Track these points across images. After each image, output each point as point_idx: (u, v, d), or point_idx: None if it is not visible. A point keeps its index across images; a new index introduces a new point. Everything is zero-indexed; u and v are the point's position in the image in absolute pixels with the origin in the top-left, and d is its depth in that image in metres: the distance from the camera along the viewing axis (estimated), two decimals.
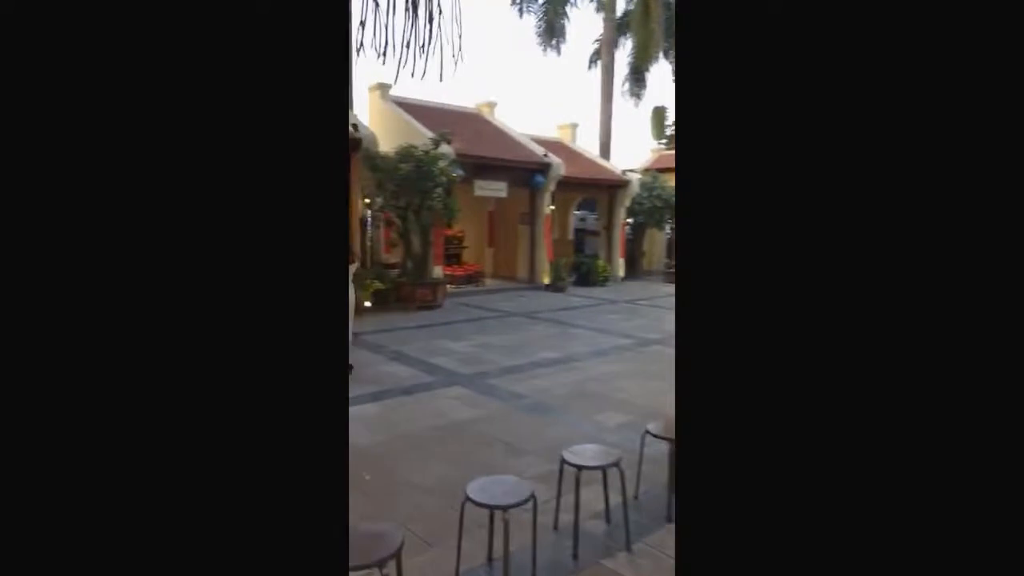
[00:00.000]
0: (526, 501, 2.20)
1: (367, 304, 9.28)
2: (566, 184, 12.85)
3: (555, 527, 2.79)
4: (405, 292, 9.83)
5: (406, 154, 9.50)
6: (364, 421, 4.32)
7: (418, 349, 6.70)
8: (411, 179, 9.35)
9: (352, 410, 4.54)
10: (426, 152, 9.64)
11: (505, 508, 2.15)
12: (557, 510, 2.80)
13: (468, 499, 2.20)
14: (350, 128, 9.65)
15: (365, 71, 17.89)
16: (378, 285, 9.46)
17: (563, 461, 2.60)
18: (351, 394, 4.92)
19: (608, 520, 2.84)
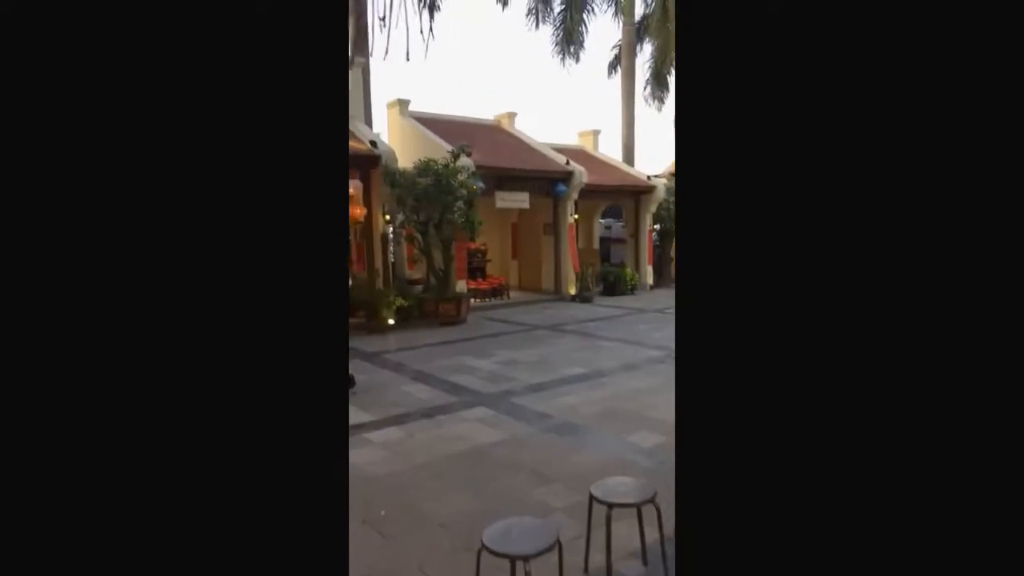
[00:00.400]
0: (550, 549, 1.95)
1: (390, 322, 9.14)
2: (590, 192, 12.58)
3: (585, 569, 2.51)
4: (428, 308, 9.66)
5: (425, 168, 9.38)
6: (382, 448, 4.11)
7: (440, 367, 6.49)
8: (430, 193, 9.21)
9: (371, 435, 4.35)
10: (445, 165, 9.50)
11: (526, 558, 1.90)
12: (587, 549, 2.53)
13: (484, 547, 1.96)
14: (368, 145, 9.60)
15: (384, 88, 17.99)
16: (400, 302, 9.31)
17: (592, 498, 2.34)
18: (369, 418, 4.74)
19: (645, 561, 2.56)
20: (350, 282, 5.62)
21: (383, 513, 3.11)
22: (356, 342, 8.04)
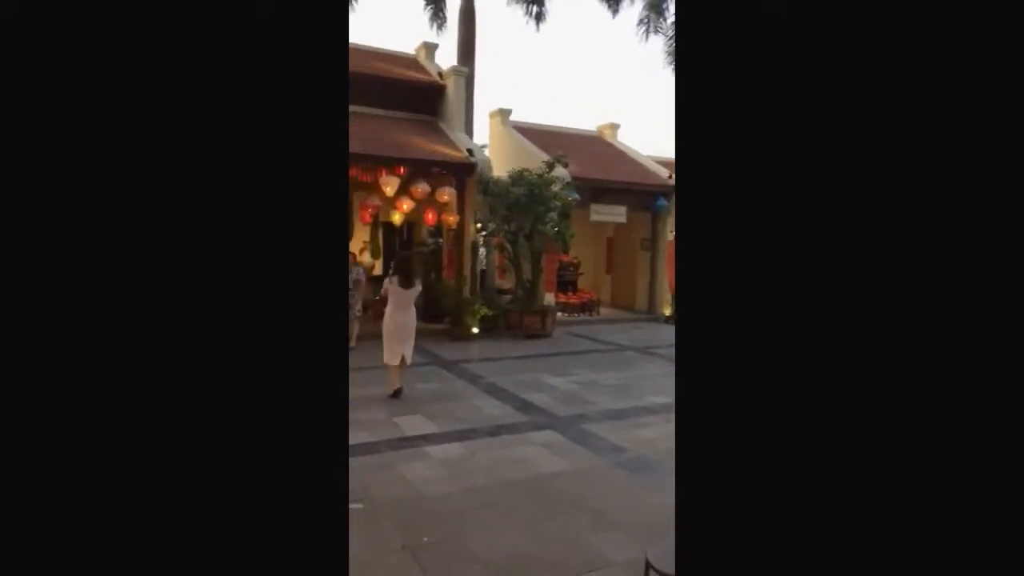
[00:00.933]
0: None
1: (474, 330, 9.06)
2: None
3: None
4: (513, 319, 9.48)
5: (518, 178, 9.24)
6: (440, 465, 3.91)
7: (515, 382, 6.23)
8: (522, 203, 9.04)
9: (431, 449, 4.17)
10: (539, 175, 9.31)
11: None
12: None
13: None
14: (465, 153, 9.63)
15: (490, 97, 18.33)
16: (485, 311, 9.20)
17: (648, 566, 1.96)
18: (434, 430, 4.58)
19: None
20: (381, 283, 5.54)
21: (426, 540, 2.89)
22: (437, 349, 8.01)
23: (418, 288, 5.57)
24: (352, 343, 7.80)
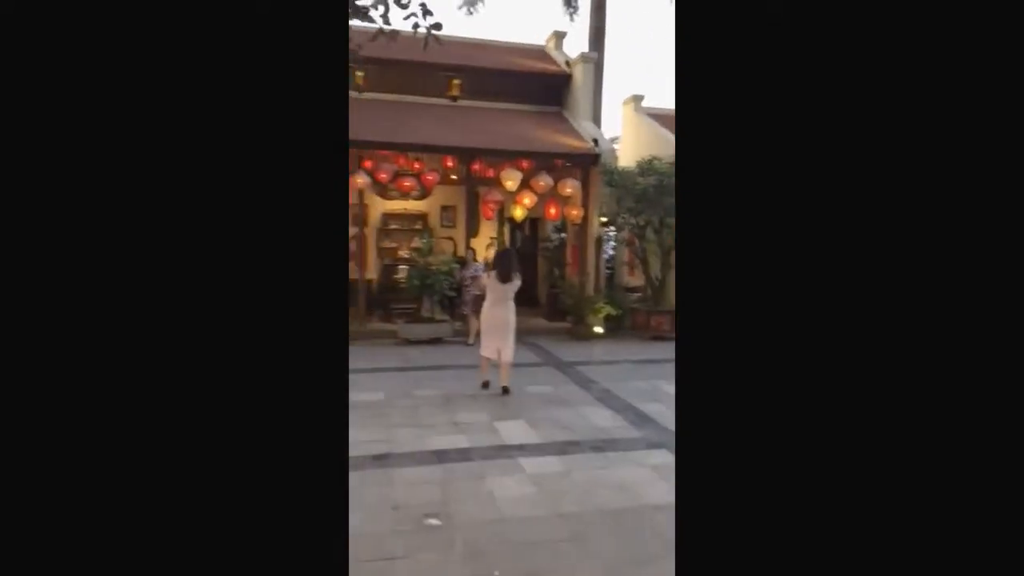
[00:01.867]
0: None
1: (597, 330, 8.60)
2: None
3: None
4: (639, 320, 8.85)
5: (647, 167, 8.57)
6: (531, 483, 3.56)
7: (632, 390, 5.69)
8: (650, 195, 8.36)
9: (526, 462, 3.84)
10: (670, 164, 8.56)
11: None
12: None
13: None
14: (590, 143, 9.16)
15: (620, 85, 17.62)
16: (609, 310, 8.68)
17: None
18: (533, 440, 4.25)
19: None
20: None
21: (496, 574, 2.57)
22: (555, 348, 7.68)
23: (517, 283, 5.39)
24: (470, 339, 7.75)
